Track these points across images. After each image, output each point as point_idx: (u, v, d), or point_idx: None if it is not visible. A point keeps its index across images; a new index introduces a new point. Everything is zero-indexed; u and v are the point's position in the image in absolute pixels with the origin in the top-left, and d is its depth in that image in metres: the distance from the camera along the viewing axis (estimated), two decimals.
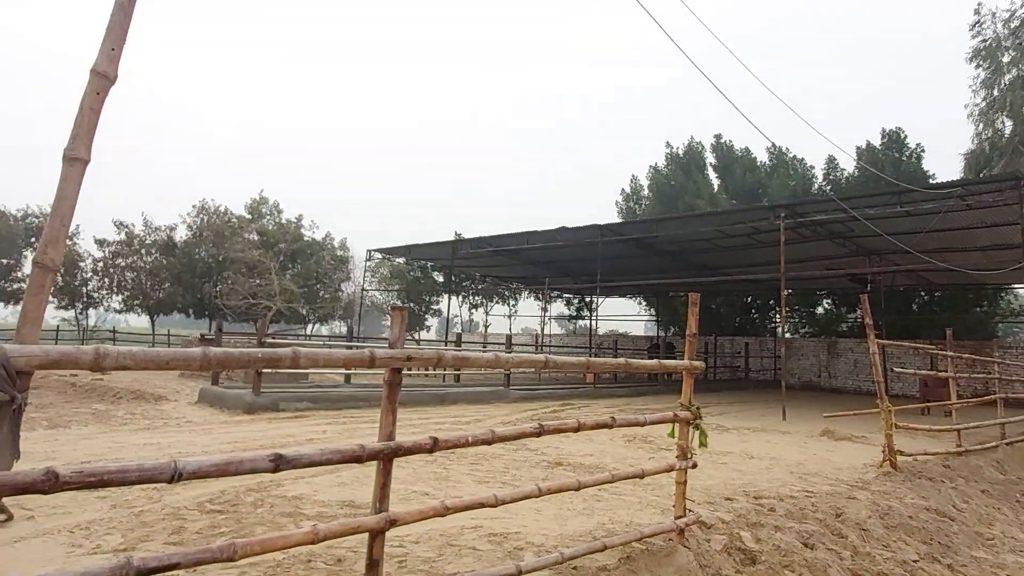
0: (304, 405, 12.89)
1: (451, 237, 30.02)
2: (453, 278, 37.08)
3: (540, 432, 4.09)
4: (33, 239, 38.05)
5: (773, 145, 33.83)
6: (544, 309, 41.47)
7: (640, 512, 5.86)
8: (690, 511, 5.04)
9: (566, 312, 43.66)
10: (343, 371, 17.80)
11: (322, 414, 12.32)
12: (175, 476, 2.58)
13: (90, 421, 10.31)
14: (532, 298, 43.00)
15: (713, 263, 27.46)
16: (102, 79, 2.69)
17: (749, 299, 36.58)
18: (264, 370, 12.81)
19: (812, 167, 34.16)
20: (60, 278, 35.80)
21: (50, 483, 2.28)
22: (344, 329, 45.22)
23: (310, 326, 42.09)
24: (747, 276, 24.66)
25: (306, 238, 40.63)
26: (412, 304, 41.15)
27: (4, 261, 35.58)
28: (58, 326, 42.28)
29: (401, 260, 38.60)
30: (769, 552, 5.07)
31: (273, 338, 17.27)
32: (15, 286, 37.17)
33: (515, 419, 12.35)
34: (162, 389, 14.68)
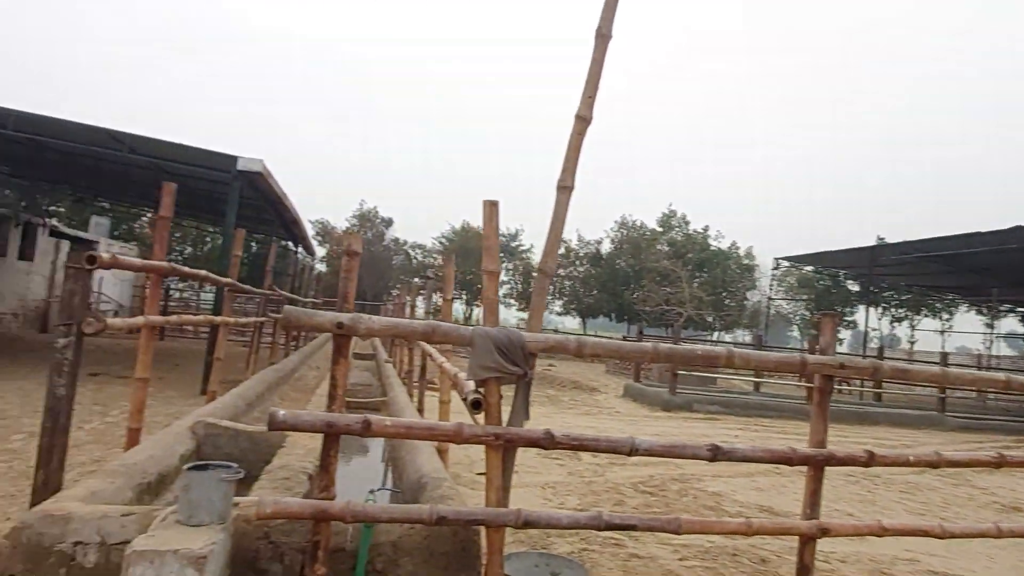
0: (715, 408, 12.99)
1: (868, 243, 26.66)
2: (871, 288, 32.85)
3: (1000, 462, 3.46)
4: (503, 254, 46.04)
5: None
6: (990, 325, 33.86)
7: None
8: None
9: (1020, 330, 34.87)
10: (753, 379, 17.36)
11: (732, 419, 12.25)
12: (632, 450, 2.96)
13: (545, 403, 12.14)
14: (972, 312, 35.45)
15: None
16: (582, 121, 3.23)
17: None
18: (679, 372, 13.33)
19: None
20: (518, 285, 42.71)
21: (549, 441, 2.85)
22: (747, 338, 43.87)
23: (715, 333, 41.94)
24: None
25: (712, 247, 40.68)
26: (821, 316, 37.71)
27: (475, 272, 44.14)
28: (517, 324, 50.39)
29: (810, 268, 35.77)
30: None
31: (684, 343, 17.77)
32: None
33: (953, 451, 10.41)
34: (594, 382, 16.42)
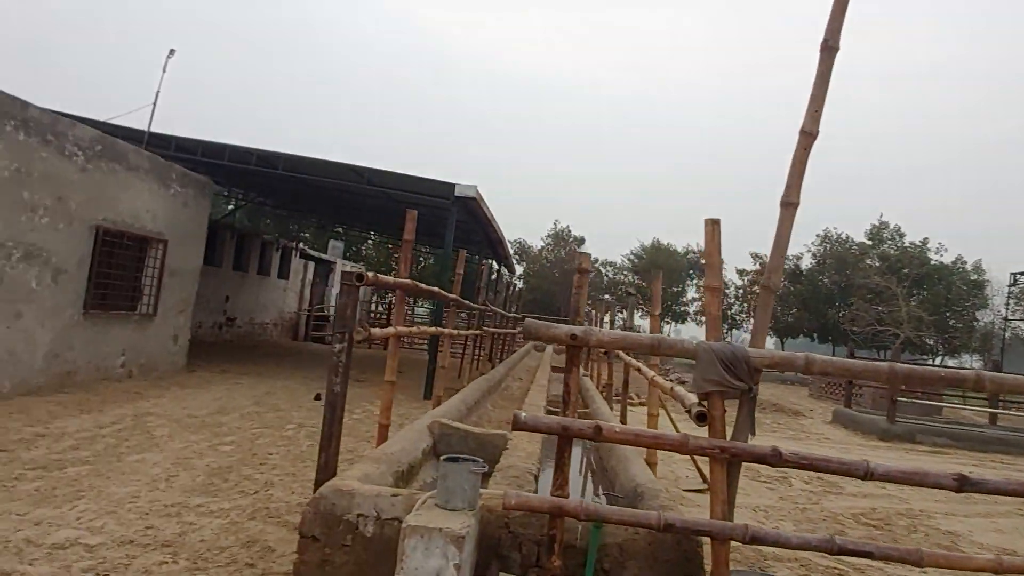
0: (943, 441, 11.41)
1: None
2: None
3: None
4: (691, 271, 44.38)
5: None
6: None
7: None
8: None
9: None
10: (988, 410, 14.97)
11: (964, 454, 10.70)
12: (867, 474, 2.76)
13: None
14: None
15: None
16: (808, 137, 3.11)
17: None
18: (898, 398, 11.96)
19: None
20: None
21: (775, 458, 2.77)
22: (977, 363, 37.85)
23: (937, 358, 36.73)
24: None
25: (932, 262, 35.79)
26: None
27: (674, 289, 42.83)
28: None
29: None
30: None
31: None
32: (682, 309, 44.06)
33: None
34: (797, 405, 15.22)
